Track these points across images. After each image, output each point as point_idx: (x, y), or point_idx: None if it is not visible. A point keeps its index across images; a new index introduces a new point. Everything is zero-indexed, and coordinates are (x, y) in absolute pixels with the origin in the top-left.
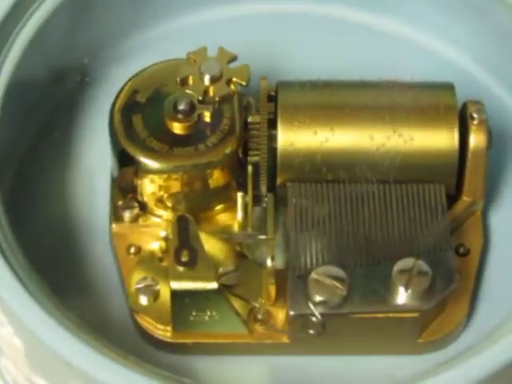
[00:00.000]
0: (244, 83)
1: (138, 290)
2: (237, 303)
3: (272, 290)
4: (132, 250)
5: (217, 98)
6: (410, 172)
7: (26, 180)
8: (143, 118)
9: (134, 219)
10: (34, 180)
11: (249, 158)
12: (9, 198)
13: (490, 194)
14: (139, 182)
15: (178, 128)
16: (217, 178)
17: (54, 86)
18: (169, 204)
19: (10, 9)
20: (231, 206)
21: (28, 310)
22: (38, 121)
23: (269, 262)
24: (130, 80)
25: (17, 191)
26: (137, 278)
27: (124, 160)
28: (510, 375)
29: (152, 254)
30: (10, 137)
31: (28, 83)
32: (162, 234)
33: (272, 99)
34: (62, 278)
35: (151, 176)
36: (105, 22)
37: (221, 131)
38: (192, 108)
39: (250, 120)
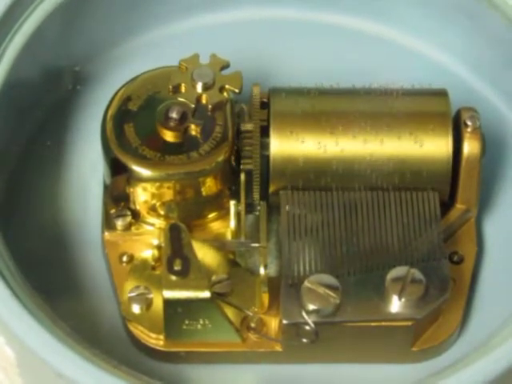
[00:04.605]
0: (237, 90)
1: (131, 299)
2: (230, 312)
3: (265, 298)
4: (124, 258)
5: (209, 106)
6: (403, 179)
7: (17, 188)
8: (135, 125)
9: (127, 227)
10: (25, 187)
11: (241, 166)
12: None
13: (483, 202)
14: (131, 190)
15: (170, 136)
16: (209, 185)
17: (46, 93)
18: (161, 212)
19: (3, 14)
20: (224, 214)
21: (19, 319)
22: (30, 127)
23: (262, 271)
24: (122, 87)
25: (7, 198)
26: (129, 287)
27: (116, 168)
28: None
29: (145, 262)
30: (1, 142)
31: (20, 89)
32: (155, 242)
33: (265, 106)
34: (54, 286)
35: (143, 184)
36: (97, 29)
37: (213, 139)
38: (184, 116)
39: (242, 128)
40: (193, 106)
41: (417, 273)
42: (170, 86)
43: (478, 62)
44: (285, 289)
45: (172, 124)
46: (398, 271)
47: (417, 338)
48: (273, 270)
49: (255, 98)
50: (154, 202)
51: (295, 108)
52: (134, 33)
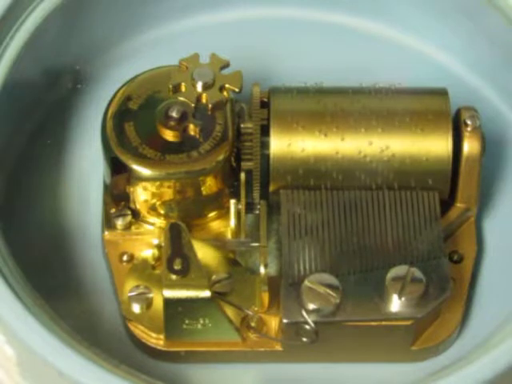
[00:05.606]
0: (237, 90)
1: (131, 298)
2: (230, 311)
3: (265, 297)
4: (125, 257)
5: (210, 105)
6: (403, 178)
7: (17, 188)
8: (135, 125)
9: (127, 227)
10: (25, 187)
11: (242, 165)
12: (0, 204)
13: (483, 201)
14: (132, 189)
15: (170, 135)
16: (209, 185)
17: (46, 92)
18: (161, 211)
19: (3, 14)
20: (224, 214)
21: (20, 319)
22: (30, 126)
23: (262, 270)
24: (122, 87)
25: (8, 197)
26: (129, 286)
27: (116, 167)
28: (505, 382)
29: (145, 261)
30: (1, 142)
31: (21, 88)
32: (155, 241)
33: (265, 105)
34: (55, 285)
35: (144, 183)
36: (97, 28)
37: (213, 138)
38: (184, 115)
39: (242, 127)
40: (193, 105)
41: (417, 272)
42: (170, 86)
43: (478, 62)
44: (285, 288)
45: (172, 123)
46: (398, 270)
47: (417, 337)
48: (273, 270)
49: (255, 98)
50: (154, 201)
51: (295, 107)
52: (134, 33)
